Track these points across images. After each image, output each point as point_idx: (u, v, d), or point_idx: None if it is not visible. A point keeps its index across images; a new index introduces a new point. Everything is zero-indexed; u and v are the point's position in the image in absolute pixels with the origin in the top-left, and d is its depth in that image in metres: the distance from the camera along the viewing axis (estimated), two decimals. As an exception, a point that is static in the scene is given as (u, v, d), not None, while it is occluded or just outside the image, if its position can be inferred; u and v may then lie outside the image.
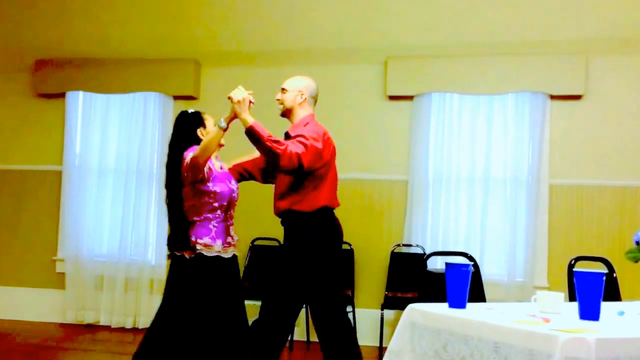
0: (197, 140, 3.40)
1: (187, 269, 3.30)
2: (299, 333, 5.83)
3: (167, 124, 6.18)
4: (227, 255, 3.41)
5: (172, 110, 6.21)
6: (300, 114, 3.63)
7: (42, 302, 6.40)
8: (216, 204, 3.38)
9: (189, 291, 3.28)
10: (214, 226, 3.37)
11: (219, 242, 3.36)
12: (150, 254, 6.20)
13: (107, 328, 6.11)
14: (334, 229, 3.75)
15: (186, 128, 3.48)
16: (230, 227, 3.48)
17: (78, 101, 6.39)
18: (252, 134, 3.35)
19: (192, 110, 3.61)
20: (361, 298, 5.79)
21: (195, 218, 3.35)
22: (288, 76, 6.03)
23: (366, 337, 5.68)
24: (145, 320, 6.08)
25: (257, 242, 5.99)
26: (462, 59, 5.74)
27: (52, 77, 6.40)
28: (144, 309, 6.09)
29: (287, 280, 3.60)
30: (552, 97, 5.60)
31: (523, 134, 5.61)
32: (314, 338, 5.79)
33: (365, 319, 5.72)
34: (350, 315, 5.58)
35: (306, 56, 6.10)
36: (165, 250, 6.07)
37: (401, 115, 5.86)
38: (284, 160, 3.36)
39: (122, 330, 6.07)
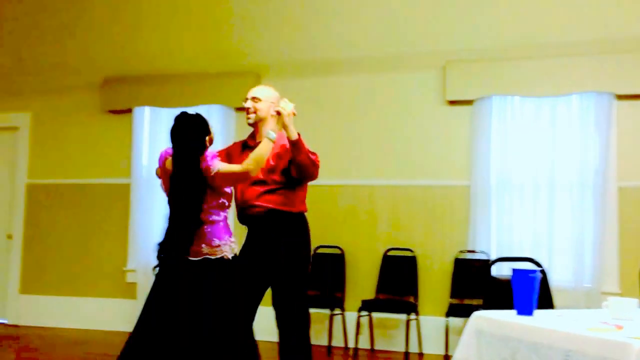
0: (205, 146, 3.29)
1: (215, 270, 3.19)
2: (364, 341, 5.81)
3: (229, 135, 6.32)
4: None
5: (234, 121, 6.35)
6: (271, 124, 3.48)
7: (113, 311, 6.60)
8: (227, 203, 3.35)
9: (225, 294, 3.20)
10: (228, 225, 3.35)
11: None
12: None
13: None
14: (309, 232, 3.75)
15: (200, 134, 3.29)
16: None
17: (144, 116, 6.59)
18: (298, 146, 3.42)
19: (196, 113, 3.37)
20: (425, 305, 5.74)
21: (215, 218, 3.26)
22: (349, 85, 6.12)
23: (431, 345, 5.62)
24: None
25: (320, 250, 6.03)
26: (523, 61, 5.64)
27: (120, 94, 6.64)
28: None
29: (299, 283, 3.58)
30: (618, 96, 5.43)
31: (588, 135, 5.46)
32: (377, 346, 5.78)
33: (430, 327, 5.66)
34: (413, 323, 5.56)
35: (364, 64, 6.12)
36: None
37: (461, 119, 5.80)
38: (317, 171, 3.52)
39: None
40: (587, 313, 2.83)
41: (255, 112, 3.64)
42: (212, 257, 3.18)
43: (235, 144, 3.91)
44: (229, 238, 3.27)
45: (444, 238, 5.78)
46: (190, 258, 3.16)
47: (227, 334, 3.13)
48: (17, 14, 7.22)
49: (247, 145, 3.68)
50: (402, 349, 5.42)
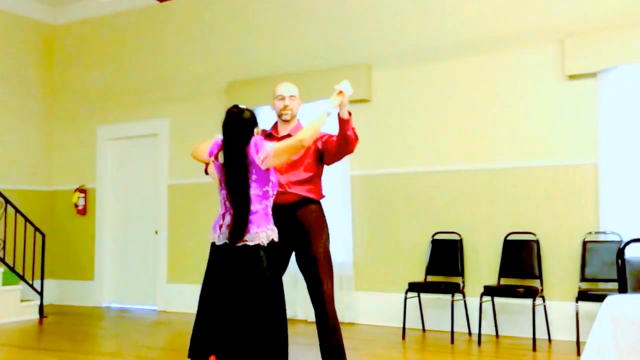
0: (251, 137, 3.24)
1: (251, 256, 3.15)
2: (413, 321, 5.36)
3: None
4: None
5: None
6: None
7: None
8: (271, 192, 3.25)
9: (257, 279, 3.15)
10: (269, 213, 3.25)
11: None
12: (337, 251, 6.10)
13: (304, 322, 6.14)
14: None
15: (249, 128, 3.27)
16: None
17: (266, 114, 6.52)
18: (348, 123, 3.47)
19: (246, 107, 3.35)
20: (551, 290, 5.19)
21: (257, 207, 3.19)
22: (462, 68, 5.69)
23: (560, 331, 5.08)
24: (342, 314, 6.00)
25: (438, 237, 5.65)
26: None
27: (242, 96, 6.61)
28: (342, 304, 6.02)
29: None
30: None
31: None
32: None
33: (558, 312, 5.11)
34: (539, 308, 5.04)
35: (476, 46, 5.65)
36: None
37: (584, 94, 5.17)
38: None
39: (313, 323, 6.04)
40: None
41: (291, 110, 3.71)
42: (250, 244, 3.14)
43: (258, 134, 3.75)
44: (267, 225, 3.19)
45: (569, 220, 5.19)
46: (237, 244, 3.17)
47: (258, 317, 3.09)
48: (154, 34, 7.48)
49: (271, 135, 3.69)
50: (529, 335, 4.92)
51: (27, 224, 6.92)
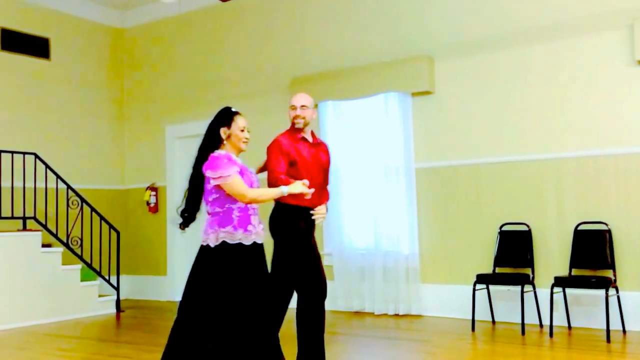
0: (219, 139, 3.37)
1: (211, 257, 3.28)
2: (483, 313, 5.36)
3: (407, 120, 6.20)
4: (248, 242, 3.29)
5: (410, 106, 6.21)
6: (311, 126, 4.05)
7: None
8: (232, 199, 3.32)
9: (216, 279, 3.25)
10: (236, 215, 3.29)
11: (240, 230, 3.28)
12: (403, 244, 6.23)
13: (371, 314, 6.28)
14: None
15: (213, 127, 3.44)
16: (252, 217, 3.34)
17: (328, 109, 6.70)
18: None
19: (233, 110, 3.51)
20: (625, 280, 5.13)
21: (217, 209, 3.30)
22: (527, 57, 5.67)
23: (635, 321, 5.05)
24: (404, 307, 6.13)
25: (505, 228, 5.68)
26: None
27: (306, 92, 6.75)
28: (401, 296, 6.15)
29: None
30: None
31: None
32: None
33: (632, 303, 5.05)
34: (613, 299, 5.01)
35: (541, 33, 5.61)
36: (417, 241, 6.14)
37: (655, 79, 5.09)
38: None
39: (384, 316, 6.19)
40: None
41: (304, 118, 4.01)
42: (203, 244, 3.32)
43: (286, 136, 4.06)
44: (220, 228, 3.27)
45: (643, 209, 5.12)
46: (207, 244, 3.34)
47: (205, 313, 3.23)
48: (217, 34, 7.75)
49: (304, 139, 4.05)
50: (602, 326, 4.90)
51: (102, 222, 7.32)
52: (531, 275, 5.44)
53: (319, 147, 4.14)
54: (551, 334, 5.05)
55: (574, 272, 5.31)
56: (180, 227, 3.50)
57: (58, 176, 7.00)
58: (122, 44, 8.57)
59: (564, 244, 5.39)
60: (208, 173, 3.28)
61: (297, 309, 3.92)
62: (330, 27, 6.85)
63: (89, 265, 7.14)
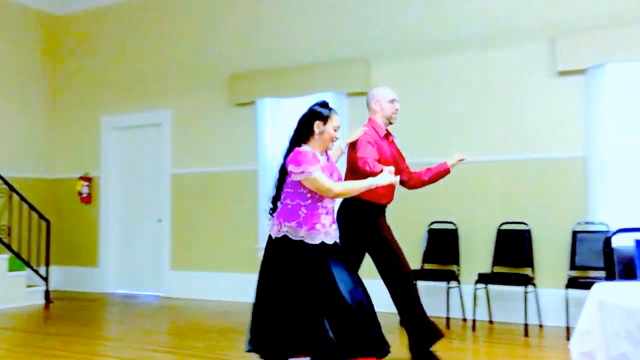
0: (311, 132, 3.25)
1: (272, 246, 3.24)
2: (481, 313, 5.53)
3: (342, 120, 6.17)
4: (312, 241, 3.16)
5: (346, 106, 6.23)
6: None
7: (248, 284, 6.72)
8: (308, 196, 3.20)
9: (272, 270, 3.22)
10: (303, 212, 3.18)
11: (304, 228, 3.16)
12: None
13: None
14: None
15: (309, 119, 3.31)
16: (322, 215, 3.21)
17: (266, 107, 6.64)
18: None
19: (330, 106, 3.37)
20: (542, 278, 5.35)
21: (288, 201, 3.20)
22: (457, 64, 5.80)
23: (550, 317, 5.24)
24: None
25: (434, 226, 5.79)
26: (636, 25, 5.03)
27: (244, 88, 6.73)
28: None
29: None
30: None
31: None
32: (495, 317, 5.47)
33: (549, 299, 5.27)
34: (531, 295, 5.20)
35: (471, 41, 5.76)
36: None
37: (574, 90, 5.30)
38: None
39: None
40: None
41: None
42: (270, 234, 3.23)
43: (369, 136, 3.92)
44: (285, 222, 3.16)
45: (559, 211, 5.34)
46: (270, 234, 3.24)
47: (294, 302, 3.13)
48: (159, 26, 7.54)
49: (387, 135, 4.07)
50: (521, 321, 5.09)
51: (32, 211, 7.02)
52: (457, 272, 5.58)
53: (393, 144, 4.14)
54: (474, 328, 5.20)
55: (497, 269, 5.48)
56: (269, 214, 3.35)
57: (-15, 164, 6.66)
58: (58, 31, 8.21)
59: (488, 242, 5.55)
60: (291, 167, 3.14)
61: (394, 298, 3.90)
62: (271, 25, 6.79)
63: (17, 255, 6.83)
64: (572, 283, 4.92)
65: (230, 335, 5.08)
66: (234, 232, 6.87)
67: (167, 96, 7.39)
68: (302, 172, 3.10)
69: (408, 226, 5.92)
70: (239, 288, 6.77)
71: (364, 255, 3.96)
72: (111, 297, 7.37)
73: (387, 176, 3.23)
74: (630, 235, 4.33)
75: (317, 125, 3.25)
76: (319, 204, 3.17)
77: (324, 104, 3.34)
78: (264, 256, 3.27)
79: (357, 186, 3.26)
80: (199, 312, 6.27)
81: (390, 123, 4.05)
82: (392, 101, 4.02)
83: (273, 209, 3.26)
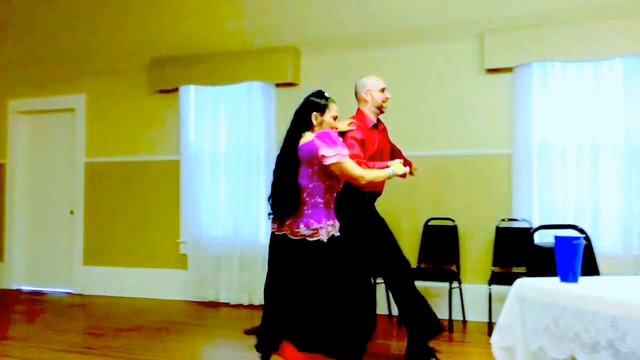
0: (309, 125, 3.23)
1: (311, 252, 3.16)
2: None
3: (270, 110, 6.19)
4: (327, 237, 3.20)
5: (274, 97, 6.21)
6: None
7: (167, 281, 6.63)
8: (336, 187, 3.26)
9: (321, 276, 3.16)
10: (332, 208, 3.25)
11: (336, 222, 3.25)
12: (262, 234, 6.25)
13: (226, 305, 6.24)
14: None
15: (305, 111, 3.29)
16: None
17: (190, 95, 6.52)
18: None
19: (326, 95, 3.36)
20: (467, 274, 5.54)
21: (318, 200, 3.16)
22: (387, 58, 5.90)
23: (474, 312, 5.44)
24: (261, 297, 6.13)
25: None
26: (562, 26, 5.28)
27: (166, 74, 6.58)
28: (258, 286, 6.16)
29: None
30: (665, 58, 5.05)
31: (634, 99, 5.10)
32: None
33: (473, 295, 5.46)
34: (456, 291, 5.38)
35: (401, 36, 5.87)
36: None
37: (501, 87, 5.50)
38: None
39: (240, 307, 6.17)
40: (635, 279, 2.60)
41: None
42: (310, 240, 3.11)
43: (357, 133, 3.95)
44: (326, 222, 3.16)
45: (485, 207, 5.54)
46: (290, 236, 3.13)
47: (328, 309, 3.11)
48: (74, 3, 7.24)
49: (376, 126, 4.10)
50: (446, 316, 5.24)
51: None
52: (383, 268, 5.68)
53: (385, 131, 4.17)
54: (399, 324, 5.32)
55: (423, 265, 5.63)
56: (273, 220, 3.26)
57: None
58: (-40, 4, 7.74)
59: (414, 238, 5.69)
60: (323, 151, 3.02)
61: (391, 290, 3.94)
62: (197, 8, 6.66)
63: None
64: (495, 279, 5.12)
65: (147, 334, 4.97)
66: (153, 226, 6.72)
67: (82, 80, 7.12)
68: (336, 154, 3.06)
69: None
70: (158, 285, 6.65)
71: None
72: (17, 294, 7.06)
73: (402, 166, 3.45)
74: (551, 232, 4.57)
75: (315, 117, 3.24)
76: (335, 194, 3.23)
77: (319, 94, 3.33)
78: (311, 263, 3.14)
79: (381, 175, 3.36)
80: (114, 310, 6.10)
81: (381, 112, 4.11)
82: (382, 90, 4.09)
83: (286, 214, 3.16)
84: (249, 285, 6.20)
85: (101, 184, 7.01)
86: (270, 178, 3.33)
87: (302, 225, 3.12)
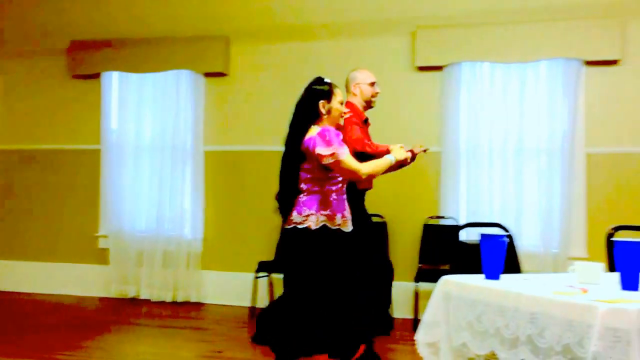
0: (317, 115, 3.25)
1: (299, 239, 3.19)
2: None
3: (199, 101, 6.15)
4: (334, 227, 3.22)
5: (203, 87, 6.17)
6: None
7: (86, 277, 6.47)
8: (339, 178, 3.26)
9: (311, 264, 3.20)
10: (333, 199, 3.23)
11: (338, 215, 3.24)
12: (186, 228, 6.20)
13: (147, 302, 6.16)
14: None
15: (311, 100, 3.30)
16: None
17: (113, 81, 6.38)
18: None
19: (327, 80, 3.37)
20: (396, 271, 5.68)
21: (315, 189, 3.18)
22: (317, 51, 5.96)
23: (401, 309, 5.59)
24: (183, 293, 6.11)
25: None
26: (492, 27, 5.51)
27: (87, 58, 6.40)
28: (181, 282, 6.12)
29: None
30: (587, 62, 5.35)
31: (557, 101, 5.39)
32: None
33: (399, 292, 5.60)
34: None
35: (333, 30, 5.95)
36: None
37: (431, 86, 5.69)
38: None
39: (162, 303, 6.11)
40: (554, 277, 2.78)
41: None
42: (299, 227, 3.13)
43: (355, 118, 4.00)
44: (321, 211, 3.15)
45: (414, 204, 5.71)
46: (285, 227, 3.17)
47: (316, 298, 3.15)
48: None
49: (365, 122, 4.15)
50: (372, 313, 5.38)
51: None
52: (311, 264, 5.76)
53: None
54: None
55: (351, 261, 5.74)
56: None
57: None
58: None
59: (343, 234, 5.79)
60: (319, 150, 3.00)
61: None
62: (121, -10, 6.51)
63: None
64: (421, 276, 5.29)
65: (65, 333, 4.86)
66: (70, 218, 6.54)
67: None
68: (333, 153, 3.06)
69: (264, 216, 5.96)
70: (76, 280, 6.48)
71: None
72: None
73: (402, 151, 3.40)
74: (477, 230, 4.77)
75: (323, 105, 3.24)
76: (344, 187, 3.24)
77: (321, 81, 3.34)
78: (297, 251, 3.16)
79: (381, 164, 3.33)
80: (27, 307, 5.91)
81: (370, 107, 4.13)
82: (372, 84, 4.13)
83: (286, 208, 3.18)
84: (172, 282, 6.14)
85: (13, 173, 6.74)
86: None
87: (294, 213, 3.17)
